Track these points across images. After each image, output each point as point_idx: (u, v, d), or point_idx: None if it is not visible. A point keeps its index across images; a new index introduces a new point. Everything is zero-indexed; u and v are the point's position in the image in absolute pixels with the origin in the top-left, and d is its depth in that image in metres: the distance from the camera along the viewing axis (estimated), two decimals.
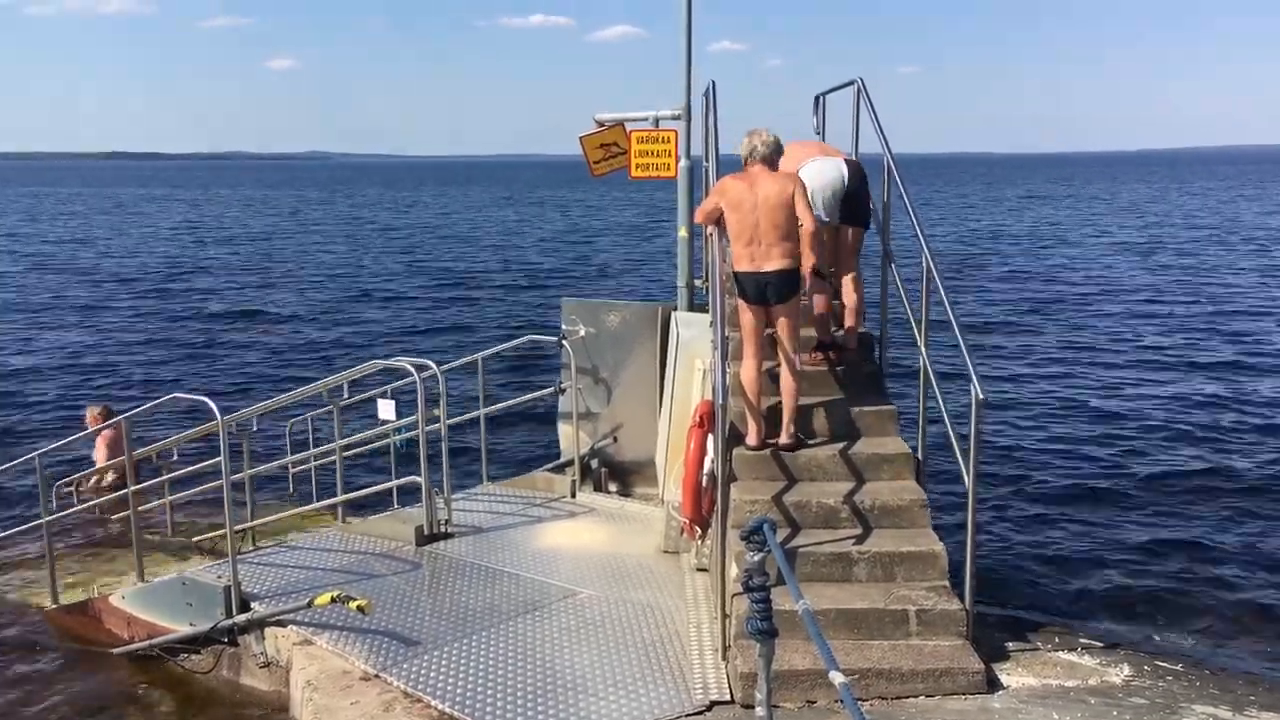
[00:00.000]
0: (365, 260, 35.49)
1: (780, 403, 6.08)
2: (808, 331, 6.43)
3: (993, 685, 4.98)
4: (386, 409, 7.49)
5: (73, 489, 9.76)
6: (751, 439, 5.99)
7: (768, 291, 5.84)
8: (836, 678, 3.07)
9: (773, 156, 5.98)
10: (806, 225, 5.82)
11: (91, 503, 9.17)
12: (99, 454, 10.47)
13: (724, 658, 5.21)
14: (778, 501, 5.64)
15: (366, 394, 8.63)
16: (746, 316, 5.95)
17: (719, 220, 5.99)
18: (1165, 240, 37.49)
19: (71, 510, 8.59)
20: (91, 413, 10.70)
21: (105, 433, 9.95)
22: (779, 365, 6.08)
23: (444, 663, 5.34)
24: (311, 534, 7.76)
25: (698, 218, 6.29)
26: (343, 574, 6.61)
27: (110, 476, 10.03)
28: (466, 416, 8.71)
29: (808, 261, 5.89)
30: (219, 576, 6.34)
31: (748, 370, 5.96)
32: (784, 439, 6.01)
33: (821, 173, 6.40)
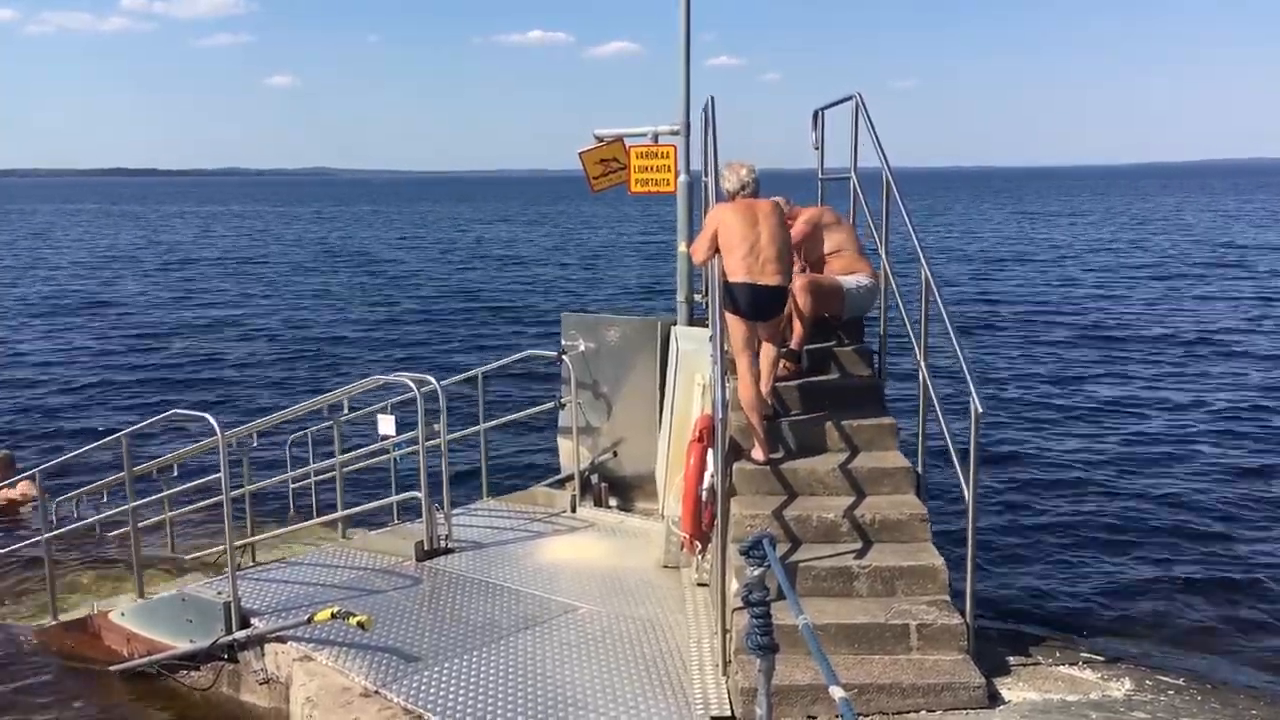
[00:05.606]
0: (364, 276, 35.56)
1: (780, 420, 6.13)
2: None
3: (994, 700, 4.97)
4: (386, 424, 7.49)
5: (73, 504, 9.76)
6: (758, 454, 5.97)
7: (768, 306, 5.84)
8: (836, 693, 3.07)
9: (758, 188, 6.07)
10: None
11: (92, 519, 9.17)
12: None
13: (725, 673, 5.20)
14: (778, 516, 5.64)
15: (367, 409, 8.64)
16: (740, 331, 5.88)
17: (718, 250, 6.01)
18: (1173, 256, 37.48)
19: (71, 526, 8.58)
20: None
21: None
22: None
23: (444, 679, 5.33)
24: (312, 550, 7.75)
25: (696, 260, 6.17)
26: (343, 590, 6.60)
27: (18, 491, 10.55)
28: (467, 432, 8.72)
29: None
30: (219, 592, 6.33)
31: (745, 386, 5.94)
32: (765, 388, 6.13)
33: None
